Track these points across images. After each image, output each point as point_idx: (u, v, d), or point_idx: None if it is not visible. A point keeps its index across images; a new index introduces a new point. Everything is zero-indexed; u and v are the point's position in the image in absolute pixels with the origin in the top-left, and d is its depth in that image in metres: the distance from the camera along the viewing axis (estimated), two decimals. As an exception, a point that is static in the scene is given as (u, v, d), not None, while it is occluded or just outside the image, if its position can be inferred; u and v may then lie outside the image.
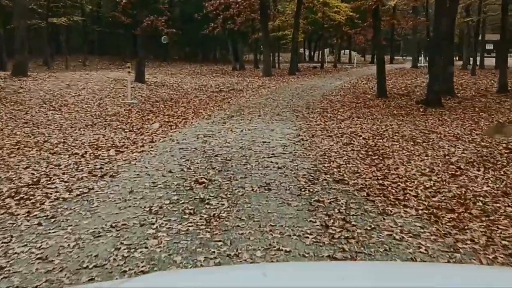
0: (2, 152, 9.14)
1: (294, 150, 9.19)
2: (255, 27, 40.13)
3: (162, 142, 10.30)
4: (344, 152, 9.10)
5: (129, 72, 19.14)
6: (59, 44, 47.67)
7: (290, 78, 30.72)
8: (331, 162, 8.22)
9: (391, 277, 1.66)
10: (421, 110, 16.17)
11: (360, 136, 11.01)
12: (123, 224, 5.26)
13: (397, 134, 11.33)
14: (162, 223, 5.27)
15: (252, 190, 6.54)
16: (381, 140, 10.45)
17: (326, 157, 8.65)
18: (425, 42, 40.96)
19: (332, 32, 42.67)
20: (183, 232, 4.99)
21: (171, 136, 11.00)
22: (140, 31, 25.09)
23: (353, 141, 10.29)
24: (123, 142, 10.24)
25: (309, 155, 8.84)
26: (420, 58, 50.34)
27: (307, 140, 10.35)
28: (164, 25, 25.43)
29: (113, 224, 5.24)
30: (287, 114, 14.96)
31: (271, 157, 8.58)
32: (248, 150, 9.25)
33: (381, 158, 8.62)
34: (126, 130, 12.20)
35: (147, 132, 11.73)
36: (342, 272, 1.76)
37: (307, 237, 4.83)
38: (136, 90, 22.45)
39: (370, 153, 9.07)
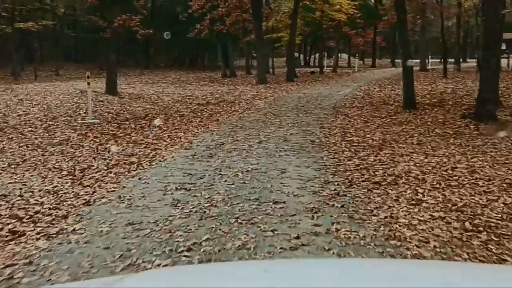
0: None
1: (333, 227, 5.07)
2: (247, 29, 36.09)
3: (102, 204, 6.18)
4: (426, 228, 5.02)
5: (88, 83, 14.97)
6: (31, 52, 43.37)
7: (288, 85, 26.70)
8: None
9: (391, 276, 1.64)
10: (472, 127, 12.20)
11: (424, 181, 6.95)
12: None
13: (476, 175, 7.30)
14: None
15: None
16: (464, 192, 6.39)
17: (401, 247, 4.56)
18: (435, 42, 37.25)
19: (331, 33, 38.72)
20: None
21: (122, 191, 6.86)
22: (111, 33, 20.97)
23: (424, 196, 6.20)
24: (39, 208, 6.09)
25: (367, 240, 4.74)
26: (426, 60, 46.80)
27: (345, 195, 6.27)
28: (139, 25, 21.31)
29: None
30: (297, 138, 10.88)
31: (295, 249, 4.49)
32: (251, 228, 5.14)
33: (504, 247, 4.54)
34: (63, 173, 8.09)
35: (92, 178, 7.62)
36: (343, 270, 1.74)
37: None
38: (103, 105, 18.39)
39: (478, 230, 5.00)
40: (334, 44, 40.93)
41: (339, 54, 56.65)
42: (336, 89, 23.27)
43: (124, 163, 8.77)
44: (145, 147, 10.50)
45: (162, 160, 8.90)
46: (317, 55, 58.23)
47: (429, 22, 57.89)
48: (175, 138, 11.55)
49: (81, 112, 16.21)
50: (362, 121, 13.50)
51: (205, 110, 17.13)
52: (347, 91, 22.31)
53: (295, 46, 31.42)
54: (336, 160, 8.46)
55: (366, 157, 8.69)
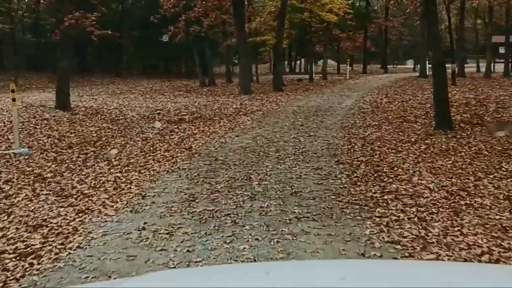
0: None
1: None
2: (227, 32, 32.31)
3: None
4: None
5: (13, 99, 10.92)
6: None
7: (277, 95, 22.90)
8: None
9: (394, 276, 1.65)
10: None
11: None
12: None
13: None
14: None
15: None
16: None
17: None
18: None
19: (320, 36, 35.06)
20: None
21: None
22: (60, 34, 16.96)
23: None
24: None
25: None
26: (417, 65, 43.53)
27: None
28: (95, 25, 17.31)
29: None
30: (310, 185, 7.03)
31: None
32: None
33: None
34: None
35: None
36: (344, 271, 1.68)
37: None
38: (47, 124, 14.44)
39: None
40: (323, 48, 37.23)
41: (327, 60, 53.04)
42: (335, 100, 19.51)
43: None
44: (70, 205, 6.58)
45: (79, 246, 4.96)
46: (302, 61, 54.66)
47: (415, 27, 54.92)
48: (123, 184, 7.63)
49: (10, 137, 12.18)
50: (390, 150, 9.72)
51: (176, 131, 13.27)
52: (349, 102, 18.56)
53: (281, 49, 27.67)
54: (400, 247, 4.60)
55: (444, 232, 4.86)
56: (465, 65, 39.11)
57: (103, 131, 13.76)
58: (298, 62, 53.45)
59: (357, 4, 40.77)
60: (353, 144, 10.33)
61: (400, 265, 2.38)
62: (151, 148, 10.89)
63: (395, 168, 8.07)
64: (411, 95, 20.32)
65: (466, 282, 1.60)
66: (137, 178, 7.99)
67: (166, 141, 11.83)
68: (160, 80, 38.30)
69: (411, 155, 9.22)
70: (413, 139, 10.81)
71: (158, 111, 18.10)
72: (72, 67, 42.25)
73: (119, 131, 13.74)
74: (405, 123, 13.14)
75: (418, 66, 51.21)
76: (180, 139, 11.84)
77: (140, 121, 15.51)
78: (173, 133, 12.98)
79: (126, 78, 40.82)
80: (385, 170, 7.97)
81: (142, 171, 8.55)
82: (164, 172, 8.36)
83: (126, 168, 8.88)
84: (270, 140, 11.01)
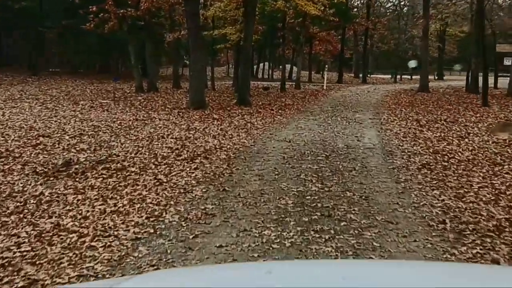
0: None
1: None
2: (176, 21, 24.43)
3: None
4: None
5: None
6: None
7: (244, 114, 15.26)
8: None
9: (395, 277, 1.62)
10: None
11: None
12: None
13: None
14: None
15: None
16: None
17: None
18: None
19: (297, 32, 27.60)
20: None
21: None
22: None
23: None
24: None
25: None
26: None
27: None
28: None
29: None
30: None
31: None
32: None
33: None
34: None
35: None
36: (346, 271, 1.72)
37: None
38: None
39: None
40: (298, 48, 29.65)
41: (290, 66, 45.32)
42: (343, 130, 11.98)
43: None
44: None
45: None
46: (264, 64, 47.10)
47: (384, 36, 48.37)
48: None
49: None
50: None
51: (42, 210, 5.47)
52: (370, 136, 11.06)
53: (250, 48, 19.70)
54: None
55: None
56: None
57: None
58: (261, 66, 45.78)
59: (335, 0, 33.43)
60: None
61: (401, 265, 2.29)
62: None
63: None
64: (459, 125, 13.06)
65: (468, 282, 1.56)
66: None
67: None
68: (89, 82, 30.01)
69: None
70: None
71: (37, 139, 10.25)
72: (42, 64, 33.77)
73: None
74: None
75: (399, 76, 44.79)
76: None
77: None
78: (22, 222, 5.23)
79: (47, 77, 32.27)
80: None
81: None
82: None
83: None
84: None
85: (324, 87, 29.21)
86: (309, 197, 6.08)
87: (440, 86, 31.66)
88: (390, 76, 47.62)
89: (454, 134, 11.29)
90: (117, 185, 6.81)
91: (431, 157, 8.61)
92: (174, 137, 11.06)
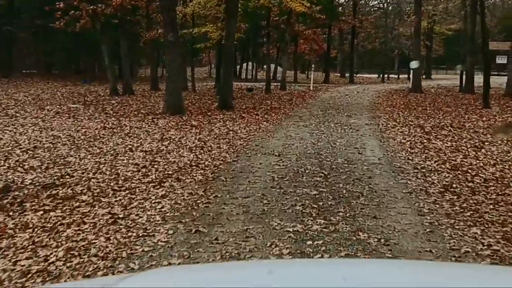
0: None
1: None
2: (153, 19, 22.79)
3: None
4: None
5: None
6: None
7: (226, 120, 13.72)
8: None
9: (397, 276, 1.61)
10: None
11: None
12: None
13: None
14: None
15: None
16: None
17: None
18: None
19: (283, 30, 26.07)
20: None
21: None
22: None
23: None
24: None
25: None
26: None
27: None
28: None
29: None
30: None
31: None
32: None
33: None
34: None
35: None
36: (347, 271, 1.71)
37: None
38: None
39: None
40: (283, 47, 28.11)
41: (274, 66, 43.75)
42: (338, 139, 10.46)
43: None
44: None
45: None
46: (248, 64, 45.47)
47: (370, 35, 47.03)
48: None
49: None
50: None
51: None
52: (370, 145, 9.55)
53: (233, 47, 18.03)
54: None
55: None
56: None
57: None
58: (244, 65, 44.16)
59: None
60: None
61: (402, 265, 2.30)
62: None
63: None
64: (468, 132, 11.63)
65: (469, 283, 1.55)
66: None
67: None
68: (62, 84, 28.23)
69: None
70: None
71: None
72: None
73: None
74: None
75: (386, 76, 43.51)
76: None
77: None
78: None
79: (18, 79, 30.36)
80: None
81: None
82: None
83: None
84: None
85: (311, 88, 27.75)
86: (310, 242, 4.54)
87: (430, 85, 30.33)
88: (377, 75, 46.37)
89: (466, 143, 9.84)
90: (59, 223, 5.23)
91: (451, 175, 7.13)
92: (144, 149, 9.48)
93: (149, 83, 26.85)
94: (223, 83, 16.63)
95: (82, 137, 11.04)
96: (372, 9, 47.63)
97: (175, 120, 13.64)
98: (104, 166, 8.04)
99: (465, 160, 8.25)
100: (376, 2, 45.79)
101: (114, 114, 15.11)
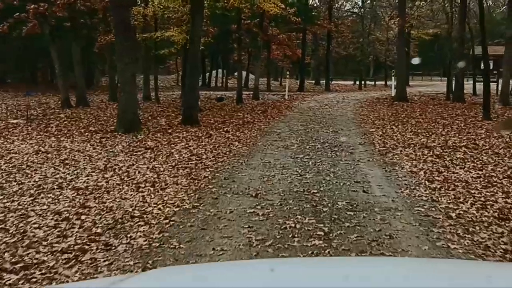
0: None
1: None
2: (110, 21, 20.30)
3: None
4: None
5: None
6: None
7: (189, 138, 11.39)
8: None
9: (399, 275, 1.61)
10: None
11: None
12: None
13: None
14: None
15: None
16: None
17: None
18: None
19: (255, 33, 23.85)
20: None
21: None
22: None
23: None
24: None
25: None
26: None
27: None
28: None
29: None
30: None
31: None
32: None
33: None
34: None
35: None
36: (348, 269, 1.70)
37: None
38: None
39: None
40: (255, 53, 25.89)
41: (245, 73, 41.43)
42: (331, 168, 8.20)
43: None
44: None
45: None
46: (217, 72, 43.10)
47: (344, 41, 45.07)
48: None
49: None
50: None
51: None
52: (374, 177, 7.30)
53: (198, 53, 15.61)
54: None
55: None
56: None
57: None
58: (214, 72, 41.81)
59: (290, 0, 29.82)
60: None
61: (404, 263, 2.24)
62: None
63: None
64: (488, 155, 9.56)
65: (472, 281, 1.53)
66: None
67: None
68: (12, 95, 25.50)
69: None
70: None
71: None
72: None
73: None
74: None
75: (363, 82, 41.61)
76: None
77: None
78: None
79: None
80: None
81: None
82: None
83: None
84: None
85: (286, 97, 25.59)
86: None
87: (411, 93, 28.43)
88: (352, 82, 44.53)
89: (496, 171, 7.69)
90: None
91: (504, 230, 4.95)
92: (77, 186, 7.13)
93: (105, 93, 24.39)
94: (188, 94, 14.25)
95: (3, 167, 8.61)
96: (345, 14, 45.88)
97: (128, 139, 11.27)
98: (11, 218, 5.67)
99: (510, 201, 6.09)
100: (349, 7, 44.00)
101: (56, 133, 12.61)
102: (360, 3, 40.87)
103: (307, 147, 10.03)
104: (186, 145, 10.43)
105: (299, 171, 7.79)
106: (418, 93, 28.67)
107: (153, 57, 23.28)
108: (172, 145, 10.48)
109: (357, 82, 40.51)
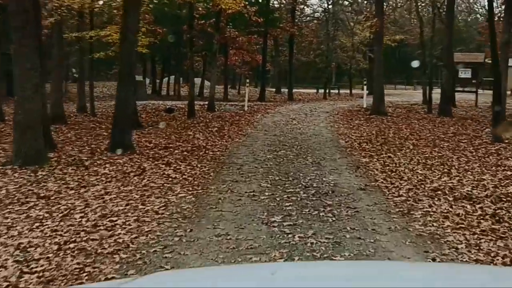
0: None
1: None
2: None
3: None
4: None
5: None
6: None
7: (113, 177, 7.93)
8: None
9: (400, 278, 1.59)
10: None
11: None
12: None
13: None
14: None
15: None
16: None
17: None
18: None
19: (210, 34, 20.52)
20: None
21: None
22: None
23: None
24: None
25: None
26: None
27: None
28: None
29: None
30: None
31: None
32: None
33: None
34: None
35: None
36: (349, 272, 1.68)
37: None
38: None
39: None
40: (211, 57, 22.48)
41: (200, 80, 37.91)
42: (332, 248, 5.01)
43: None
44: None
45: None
46: (169, 79, 39.47)
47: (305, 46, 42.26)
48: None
49: None
50: None
51: None
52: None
53: (133, 55, 12.11)
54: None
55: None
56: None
57: None
58: (165, 80, 38.12)
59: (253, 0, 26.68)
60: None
61: (404, 266, 2.22)
62: None
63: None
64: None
65: (471, 283, 1.52)
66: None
67: None
68: None
69: None
70: None
71: None
72: None
73: None
74: None
75: (327, 91, 38.70)
76: None
77: None
78: None
79: None
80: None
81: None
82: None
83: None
84: None
85: (246, 108, 22.31)
86: None
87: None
88: (315, 90, 41.59)
89: None
90: None
91: None
92: None
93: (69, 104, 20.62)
94: (118, 111, 10.66)
95: None
96: (308, 18, 43.07)
97: (22, 178, 7.73)
98: None
99: None
100: (311, 11, 41.17)
101: None
102: (322, 7, 38.11)
103: (285, 196, 6.69)
104: (103, 192, 6.95)
105: (284, 258, 4.45)
106: (389, 104, 25.88)
107: (89, 61, 19.58)
108: (82, 191, 7.00)
109: (321, 91, 37.53)
